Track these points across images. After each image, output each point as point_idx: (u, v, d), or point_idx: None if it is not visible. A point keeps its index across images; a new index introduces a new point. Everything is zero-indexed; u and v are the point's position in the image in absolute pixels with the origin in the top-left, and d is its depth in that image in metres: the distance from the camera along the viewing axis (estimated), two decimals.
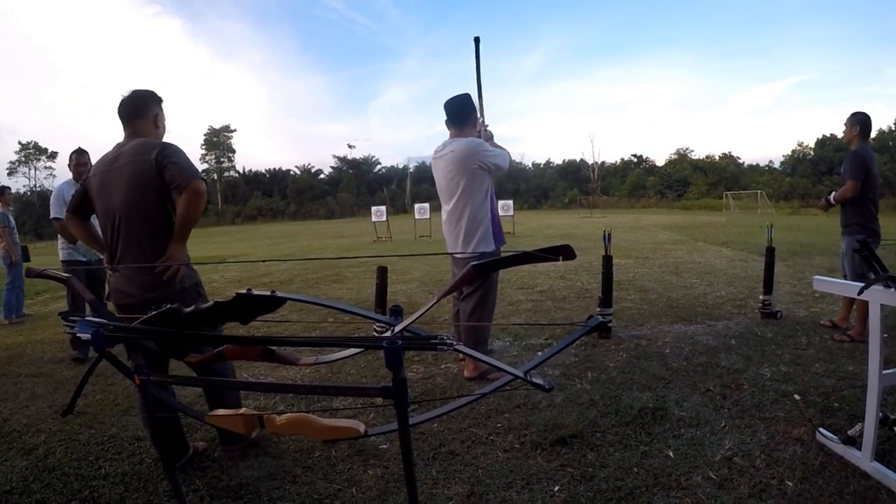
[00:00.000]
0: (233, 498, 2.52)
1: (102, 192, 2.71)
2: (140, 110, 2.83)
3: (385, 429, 1.63)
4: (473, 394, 2.07)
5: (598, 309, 5.05)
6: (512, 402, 3.44)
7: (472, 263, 1.69)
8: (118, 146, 2.79)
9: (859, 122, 4.62)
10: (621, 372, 3.97)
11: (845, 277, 4.62)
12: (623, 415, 3.23)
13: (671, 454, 2.76)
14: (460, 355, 4.14)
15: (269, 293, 1.59)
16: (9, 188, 8.06)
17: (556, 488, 2.50)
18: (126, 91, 2.85)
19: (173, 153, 2.65)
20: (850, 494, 2.31)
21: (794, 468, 2.54)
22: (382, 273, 5.20)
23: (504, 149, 4.11)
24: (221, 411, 1.67)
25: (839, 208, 4.84)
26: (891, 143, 45.59)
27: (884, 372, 2.39)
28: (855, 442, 2.56)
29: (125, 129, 2.85)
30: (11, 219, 7.65)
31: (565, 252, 1.65)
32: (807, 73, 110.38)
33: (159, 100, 2.93)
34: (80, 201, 2.86)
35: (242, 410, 1.60)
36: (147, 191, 2.62)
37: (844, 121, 4.75)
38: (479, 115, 4.22)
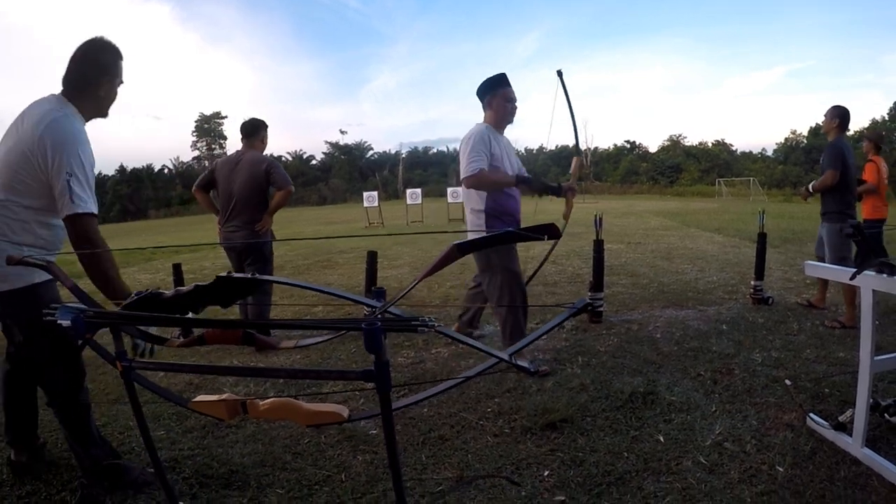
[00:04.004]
0: (222, 485, 2.49)
1: (227, 180, 4.55)
2: (255, 132, 4.71)
3: (369, 414, 1.60)
4: (457, 377, 2.04)
5: (589, 293, 5.04)
6: (502, 386, 3.41)
7: (454, 242, 1.65)
8: (239, 153, 4.68)
9: (839, 115, 4.78)
10: (612, 356, 3.96)
11: (822, 262, 4.66)
12: (613, 399, 3.21)
13: (661, 439, 2.74)
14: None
15: (248, 276, 1.56)
16: None
17: (546, 473, 2.48)
18: (247, 116, 4.76)
19: (276, 167, 4.61)
20: (840, 480, 2.30)
21: (784, 453, 2.53)
22: (372, 258, 5.16)
23: (482, 169, 3.58)
24: (203, 397, 1.63)
25: (819, 197, 4.98)
26: (884, 133, 45.63)
27: (875, 358, 2.37)
28: (845, 428, 2.54)
29: (244, 140, 4.71)
30: None
31: (550, 230, 1.61)
32: (802, 61, 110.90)
33: (266, 126, 4.79)
34: (207, 182, 4.72)
35: (225, 396, 1.58)
36: (257, 185, 4.52)
37: (825, 112, 4.89)
38: (577, 143, 4.48)
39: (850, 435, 2.49)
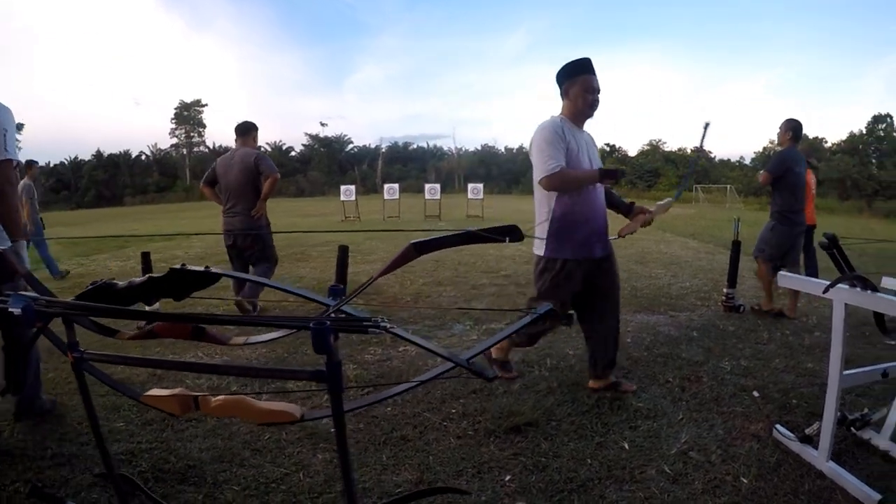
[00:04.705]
0: (178, 480, 2.40)
1: (225, 174, 5.13)
2: (247, 132, 5.34)
3: (322, 413, 1.53)
4: (412, 381, 1.97)
5: None
6: (468, 387, 3.35)
7: (412, 241, 1.57)
8: (233, 150, 5.28)
9: (791, 128, 5.28)
10: (580, 360, 3.91)
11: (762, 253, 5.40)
12: (580, 404, 3.16)
13: (626, 446, 2.70)
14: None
15: (202, 269, 1.50)
16: (36, 162, 8.51)
17: (508, 478, 2.42)
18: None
19: (263, 158, 5.17)
20: (804, 494, 2.27)
21: (749, 465, 2.49)
22: (343, 252, 5.06)
23: (563, 166, 3.06)
24: (156, 391, 1.56)
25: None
26: (860, 147, 46.55)
27: (844, 373, 2.34)
28: (812, 441, 2.52)
29: (238, 139, 5.34)
30: (35, 191, 8.09)
31: (512, 233, 1.54)
32: (783, 72, 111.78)
33: (257, 128, 5.45)
34: (212, 179, 5.27)
35: (178, 391, 1.51)
36: (249, 175, 5.07)
37: (779, 125, 5.37)
38: (682, 187, 4.41)
39: (816, 448, 2.46)
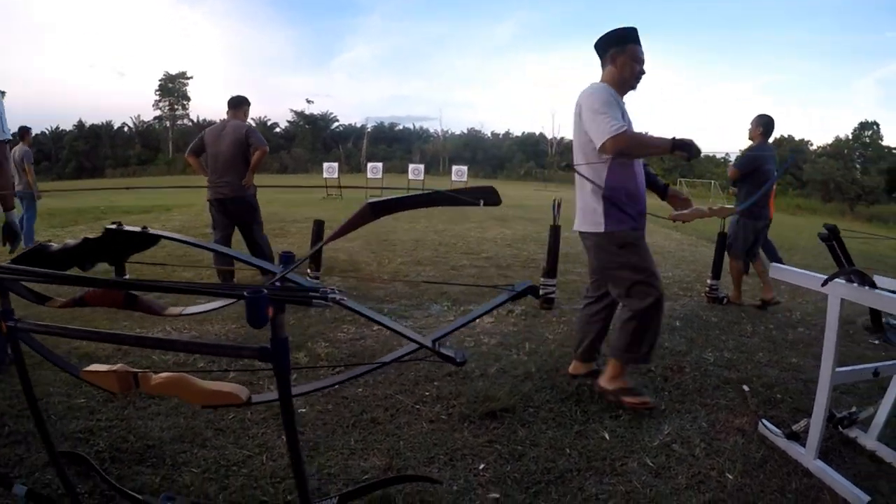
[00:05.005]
0: (136, 460, 2.24)
1: (215, 144, 5.25)
2: (239, 105, 5.49)
3: (270, 397, 1.37)
4: (373, 363, 1.83)
5: (542, 279, 4.87)
6: (443, 369, 3.20)
7: (369, 201, 1.40)
8: (224, 122, 5.46)
9: (763, 123, 5.25)
10: (560, 345, 3.79)
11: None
12: (559, 390, 3.04)
13: (607, 436, 2.57)
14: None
15: (139, 229, 1.33)
16: (30, 129, 8.84)
17: (482, 466, 2.28)
18: (234, 94, 5.49)
19: (254, 131, 5.34)
20: (791, 492, 2.16)
21: (734, 460, 2.38)
22: (318, 227, 4.89)
23: (625, 127, 2.73)
24: (95, 367, 1.40)
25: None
26: (846, 151, 47.02)
27: (837, 370, 2.22)
28: (799, 437, 2.41)
29: (229, 111, 5.47)
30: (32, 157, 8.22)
31: (487, 195, 1.37)
32: (775, 75, 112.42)
33: (249, 102, 5.61)
34: (199, 148, 5.41)
35: (117, 367, 1.35)
36: (240, 147, 5.19)
37: (751, 120, 5.33)
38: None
39: (804, 445, 2.35)
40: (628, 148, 2.77)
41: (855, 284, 2.12)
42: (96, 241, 1.39)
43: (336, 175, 19.23)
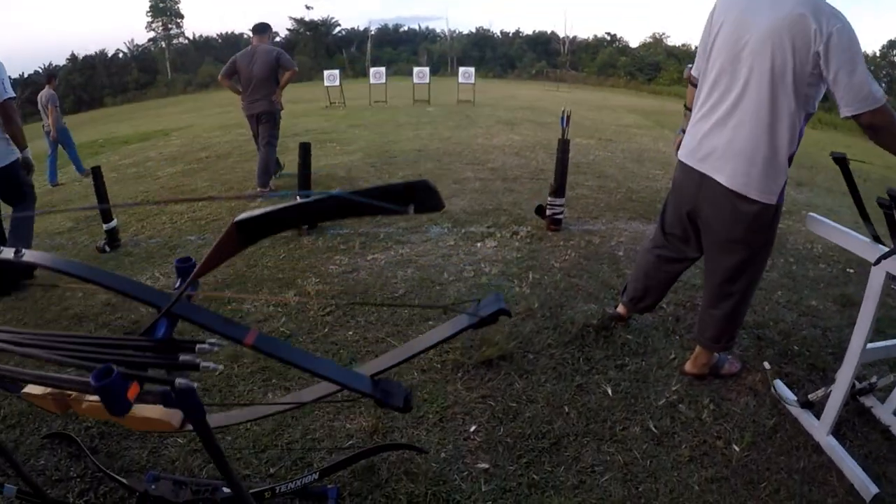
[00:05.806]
0: (123, 436, 2.18)
1: (248, 65, 5.85)
2: (264, 31, 6.19)
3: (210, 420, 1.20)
4: (290, 402, 1.63)
5: (549, 198, 4.59)
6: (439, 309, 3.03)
7: (236, 219, 0.88)
8: (253, 47, 5.98)
9: None
10: (567, 275, 3.59)
11: None
12: (562, 332, 2.87)
13: (609, 391, 2.43)
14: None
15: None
16: (55, 74, 10.28)
17: (473, 428, 2.15)
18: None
19: (284, 54, 6.08)
20: (798, 472, 2.01)
21: (743, 427, 2.23)
22: (305, 151, 4.59)
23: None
24: (31, 388, 1.23)
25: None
26: (872, 69, 44.19)
27: (868, 346, 2.01)
28: (813, 406, 2.24)
29: (254, 37, 6.13)
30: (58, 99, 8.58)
31: (422, 199, 0.79)
32: None
33: (272, 28, 6.38)
34: (232, 71, 6.03)
35: (50, 390, 1.20)
36: (271, 69, 5.90)
37: None
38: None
39: (818, 417, 2.19)
40: (886, 129, 1.95)
41: None
42: None
43: (337, 83, 18.30)
